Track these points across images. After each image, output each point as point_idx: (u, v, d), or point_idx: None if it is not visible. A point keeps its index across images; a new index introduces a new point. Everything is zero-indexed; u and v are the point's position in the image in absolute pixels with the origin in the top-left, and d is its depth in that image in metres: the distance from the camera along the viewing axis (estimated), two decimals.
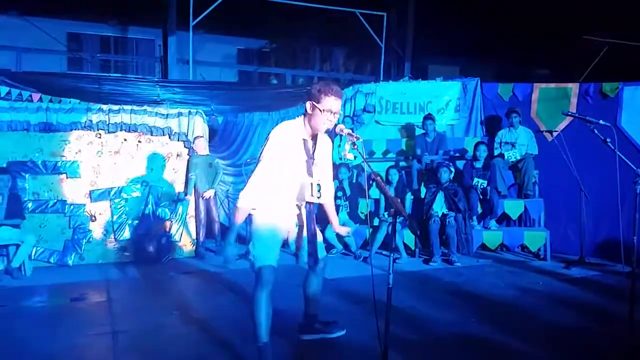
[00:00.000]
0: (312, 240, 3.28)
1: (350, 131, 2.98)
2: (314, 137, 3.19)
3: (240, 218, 3.09)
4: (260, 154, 3.10)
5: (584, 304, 4.75)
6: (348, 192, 6.95)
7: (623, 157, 3.39)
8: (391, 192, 6.64)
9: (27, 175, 6.31)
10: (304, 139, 3.14)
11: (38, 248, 6.22)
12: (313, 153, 3.17)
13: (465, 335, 3.86)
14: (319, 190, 3.19)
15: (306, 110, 3.11)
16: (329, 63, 14.67)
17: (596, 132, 3.58)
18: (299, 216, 3.27)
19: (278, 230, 3.17)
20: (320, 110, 3.02)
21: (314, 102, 3.04)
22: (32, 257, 6.09)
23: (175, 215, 6.91)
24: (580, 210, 6.24)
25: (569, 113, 4.17)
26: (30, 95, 6.91)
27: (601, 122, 3.58)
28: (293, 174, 3.12)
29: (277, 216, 3.16)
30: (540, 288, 5.31)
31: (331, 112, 3.02)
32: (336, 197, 6.85)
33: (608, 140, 3.48)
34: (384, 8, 11.01)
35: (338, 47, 14.13)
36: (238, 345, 3.60)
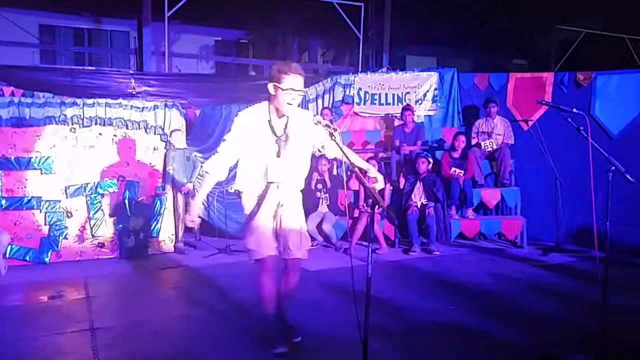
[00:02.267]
0: (288, 232, 3.25)
1: (328, 122, 2.97)
2: (283, 117, 3.18)
3: (206, 185, 3.23)
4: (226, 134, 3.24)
5: (560, 289, 4.86)
6: (329, 185, 6.95)
7: (596, 145, 3.45)
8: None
9: (0, 172, 6.18)
10: (268, 120, 3.16)
11: (13, 246, 6.11)
12: (285, 131, 3.17)
13: (444, 323, 3.92)
14: (282, 171, 3.17)
15: (269, 93, 3.14)
16: (307, 54, 14.63)
17: (570, 120, 3.63)
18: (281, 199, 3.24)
19: (266, 219, 3.21)
20: (282, 90, 3.05)
21: (275, 83, 3.07)
22: (8, 255, 5.98)
23: (153, 210, 6.84)
24: (555, 198, 6.36)
25: (544, 102, 4.24)
26: (2, 89, 6.76)
27: (575, 110, 3.63)
28: (259, 155, 3.15)
29: (261, 204, 3.19)
30: (518, 275, 5.40)
31: (293, 90, 3.06)
32: (317, 189, 6.86)
33: (581, 128, 3.54)
34: None
35: (316, 38, 14.10)
36: (219, 339, 3.59)
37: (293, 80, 3.05)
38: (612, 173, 3.27)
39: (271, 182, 3.17)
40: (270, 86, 3.11)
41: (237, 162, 3.24)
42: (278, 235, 3.27)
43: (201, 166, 7.16)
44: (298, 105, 3.20)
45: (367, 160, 6.81)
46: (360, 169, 2.94)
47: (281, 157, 3.16)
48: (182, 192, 6.82)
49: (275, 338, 3.31)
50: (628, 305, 4.11)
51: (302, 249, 3.30)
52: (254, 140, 3.15)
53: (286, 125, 3.19)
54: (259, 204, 3.20)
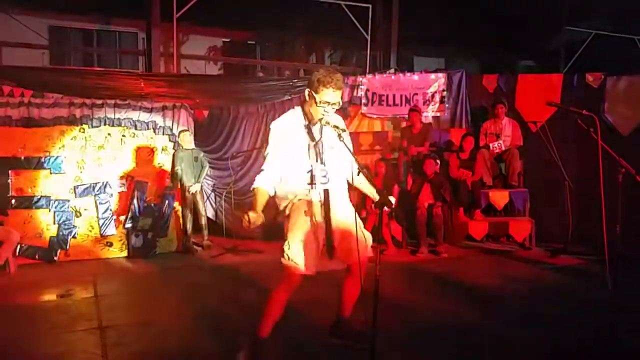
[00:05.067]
0: (345, 236, 3.05)
1: (336, 124, 2.96)
2: (317, 122, 3.03)
3: (258, 201, 2.93)
4: (265, 149, 3.07)
5: (568, 291, 4.83)
6: None
7: (606, 146, 3.43)
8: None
9: (10, 171, 6.22)
10: (305, 125, 3.04)
11: (23, 245, 6.15)
12: (321, 135, 3.02)
13: (451, 325, 3.90)
14: (326, 175, 3.00)
15: (304, 97, 3.03)
16: (314, 55, 14.63)
17: (579, 122, 3.61)
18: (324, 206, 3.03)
19: (309, 229, 2.99)
20: (317, 102, 2.93)
21: (312, 91, 2.95)
22: (17, 254, 6.02)
23: (162, 210, 6.86)
24: (564, 199, 6.31)
25: (553, 104, 4.21)
26: (12, 90, 6.80)
27: (584, 112, 3.61)
28: (300, 163, 3.01)
29: (305, 211, 3.01)
30: (526, 277, 5.37)
31: (328, 104, 2.93)
32: None
33: (591, 129, 3.52)
34: (369, 0, 10.98)
35: (323, 39, 14.08)
36: (227, 339, 3.60)
37: (330, 95, 2.91)
38: (622, 175, 3.26)
39: (316, 188, 2.99)
40: (306, 92, 2.99)
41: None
42: (333, 244, 3.04)
43: (209, 166, 7.20)
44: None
45: (376, 161, 6.84)
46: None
47: (323, 161, 3.01)
48: (190, 192, 6.84)
49: None
50: (637, 308, 4.07)
51: (367, 247, 3.11)
52: (292, 148, 3.00)
53: (322, 129, 3.03)
54: (305, 213, 3.01)
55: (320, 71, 2.97)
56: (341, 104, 2.97)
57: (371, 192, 3.14)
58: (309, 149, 3.01)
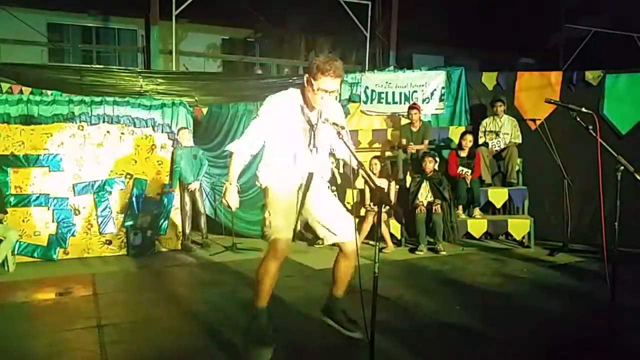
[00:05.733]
0: (333, 217, 3.14)
1: (335, 120, 2.96)
2: (315, 108, 3.07)
3: (233, 167, 3.10)
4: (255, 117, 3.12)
5: (567, 289, 4.83)
6: (339, 181, 6.94)
7: (605, 144, 3.43)
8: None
9: (8, 169, 6.22)
10: (302, 106, 3.06)
11: (21, 243, 6.15)
12: (318, 121, 3.06)
13: (450, 323, 3.90)
14: (313, 160, 3.07)
15: (304, 82, 3.03)
16: (313, 52, 14.61)
17: (578, 119, 3.60)
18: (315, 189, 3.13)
19: (293, 201, 3.09)
20: (314, 89, 2.94)
21: (310, 78, 2.95)
22: (16, 252, 6.01)
23: (160, 208, 6.86)
24: (563, 197, 6.32)
25: (552, 101, 4.20)
26: (11, 87, 6.79)
27: (583, 109, 3.61)
28: (288, 144, 3.04)
29: (290, 186, 3.10)
30: (525, 275, 5.38)
31: (326, 92, 2.94)
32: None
33: (590, 127, 3.51)
34: None
35: (323, 36, 14.07)
36: (227, 336, 3.60)
37: (328, 82, 2.91)
38: (621, 173, 3.25)
39: (299, 174, 3.07)
40: (306, 77, 2.99)
41: (262, 153, 3.13)
42: (318, 222, 3.16)
43: (208, 164, 7.19)
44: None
45: (371, 159, 6.81)
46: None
47: (311, 147, 3.06)
48: (189, 190, 6.84)
49: (264, 338, 3.09)
50: (636, 305, 4.08)
51: (349, 230, 3.14)
52: (284, 126, 3.03)
53: (320, 115, 3.05)
54: (287, 193, 3.09)
55: (319, 58, 2.96)
56: (339, 91, 2.98)
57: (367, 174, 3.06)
58: (302, 132, 3.05)
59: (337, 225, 3.13)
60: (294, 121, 3.05)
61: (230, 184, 3.12)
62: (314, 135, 3.06)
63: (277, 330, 3.26)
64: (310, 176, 3.08)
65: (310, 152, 3.07)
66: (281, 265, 3.09)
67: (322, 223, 3.17)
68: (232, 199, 3.15)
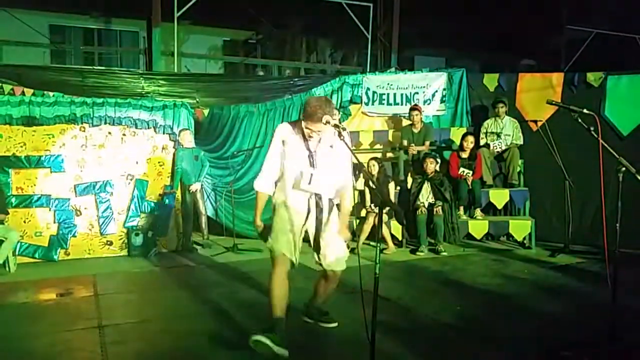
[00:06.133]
0: (328, 246, 3.37)
1: (337, 122, 3.00)
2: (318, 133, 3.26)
3: (259, 203, 3.41)
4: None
5: (569, 290, 4.83)
6: None
7: (606, 145, 3.43)
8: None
9: (10, 170, 6.23)
10: (302, 136, 3.27)
11: (22, 243, 6.16)
12: (317, 147, 3.28)
13: (451, 323, 3.90)
14: (311, 179, 3.25)
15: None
16: (315, 54, 14.63)
17: (580, 121, 3.60)
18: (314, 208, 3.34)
19: (292, 223, 3.30)
20: (303, 126, 3.20)
21: (301, 116, 3.24)
22: (17, 253, 6.02)
23: (162, 209, 6.86)
24: (564, 198, 6.31)
25: (553, 102, 4.20)
26: (12, 89, 6.80)
27: (585, 110, 3.60)
28: (295, 165, 3.28)
29: (291, 207, 3.31)
30: (526, 276, 5.37)
31: (311, 131, 3.18)
32: None
33: (591, 128, 3.51)
34: None
35: (324, 38, 14.09)
36: (227, 338, 3.60)
37: (315, 125, 3.14)
38: (623, 174, 3.25)
39: (305, 190, 3.27)
40: (300, 113, 3.31)
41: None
42: (315, 242, 3.40)
43: (209, 165, 7.20)
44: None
45: (369, 160, 6.81)
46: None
47: (315, 168, 3.27)
48: (190, 191, 6.85)
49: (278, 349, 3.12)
50: (637, 306, 4.07)
51: (339, 262, 3.40)
52: (291, 151, 3.29)
53: (319, 142, 3.28)
54: (290, 209, 3.31)
55: (311, 100, 3.21)
56: (328, 128, 3.13)
57: (346, 205, 3.48)
58: (304, 155, 3.28)
59: (330, 254, 3.37)
60: (298, 146, 3.29)
61: (257, 224, 3.44)
62: (315, 158, 3.28)
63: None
64: (318, 200, 3.31)
65: (313, 172, 3.25)
66: (289, 276, 3.29)
67: (320, 246, 3.39)
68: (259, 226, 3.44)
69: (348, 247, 6.65)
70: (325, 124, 3.07)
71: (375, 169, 6.66)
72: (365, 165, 6.73)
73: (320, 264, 3.43)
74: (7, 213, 5.93)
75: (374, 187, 2.78)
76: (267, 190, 3.38)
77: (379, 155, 7.37)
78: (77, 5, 12.09)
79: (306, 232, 3.39)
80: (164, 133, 6.97)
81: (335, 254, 3.38)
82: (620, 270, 3.26)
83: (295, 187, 3.29)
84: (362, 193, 6.93)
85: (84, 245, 6.51)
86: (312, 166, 3.27)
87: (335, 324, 3.71)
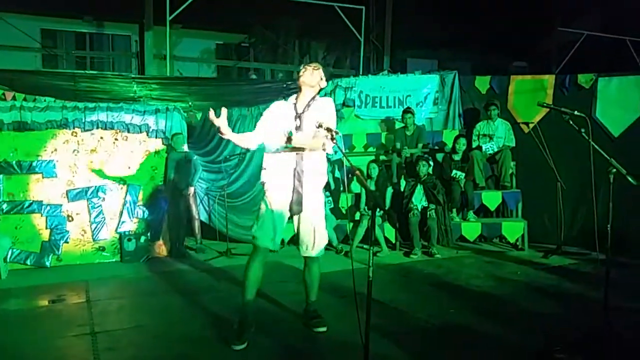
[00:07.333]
0: (306, 231, 3.60)
1: (329, 125, 3.00)
2: (305, 100, 3.61)
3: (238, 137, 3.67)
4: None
5: (561, 291, 4.85)
6: (332, 186, 6.92)
7: (597, 147, 3.45)
8: (372, 186, 6.66)
9: (1, 176, 6.19)
10: (294, 103, 3.65)
11: (14, 250, 6.11)
12: (304, 110, 3.58)
13: (445, 326, 3.91)
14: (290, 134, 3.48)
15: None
16: (308, 57, 14.64)
17: (571, 122, 3.63)
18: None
19: (277, 212, 3.53)
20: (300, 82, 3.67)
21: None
22: (8, 260, 5.98)
23: (154, 214, 6.84)
24: (556, 200, 6.34)
25: (545, 104, 4.23)
26: (4, 94, 6.77)
27: (576, 112, 3.63)
28: (282, 128, 3.53)
29: (276, 191, 3.53)
30: (519, 277, 5.39)
31: (304, 82, 3.63)
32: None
33: (582, 130, 3.54)
34: (362, 2, 11.00)
35: (317, 41, 14.11)
36: (219, 343, 3.58)
37: (305, 76, 3.62)
38: (613, 175, 3.28)
39: (290, 148, 3.46)
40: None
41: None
42: (299, 230, 3.65)
43: (202, 169, 7.18)
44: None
45: (369, 163, 6.83)
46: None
47: (300, 130, 3.51)
48: (183, 195, 6.82)
49: (242, 333, 3.46)
50: (629, 306, 4.09)
51: (315, 247, 3.63)
52: (279, 118, 3.61)
53: (308, 106, 3.58)
54: (276, 201, 3.52)
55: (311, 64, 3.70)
56: (319, 84, 3.64)
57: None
58: (291, 120, 3.60)
59: (309, 242, 3.61)
60: (287, 113, 3.63)
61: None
62: (302, 122, 3.55)
63: (272, 334, 3.28)
64: (300, 157, 3.50)
65: (298, 134, 3.50)
66: (265, 263, 3.60)
67: (300, 235, 3.66)
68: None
69: (341, 250, 6.69)
70: (317, 128, 3.11)
71: (375, 172, 6.68)
72: (366, 167, 6.76)
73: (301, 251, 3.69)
74: None
75: (367, 190, 2.78)
76: (249, 143, 3.64)
77: (373, 157, 7.37)
78: (69, 10, 12.05)
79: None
80: (156, 137, 6.94)
81: (313, 243, 3.60)
82: (613, 270, 3.28)
83: (280, 149, 3.50)
84: (357, 196, 6.94)
85: (76, 251, 6.47)
86: (297, 128, 3.53)
87: (325, 329, 3.72)
